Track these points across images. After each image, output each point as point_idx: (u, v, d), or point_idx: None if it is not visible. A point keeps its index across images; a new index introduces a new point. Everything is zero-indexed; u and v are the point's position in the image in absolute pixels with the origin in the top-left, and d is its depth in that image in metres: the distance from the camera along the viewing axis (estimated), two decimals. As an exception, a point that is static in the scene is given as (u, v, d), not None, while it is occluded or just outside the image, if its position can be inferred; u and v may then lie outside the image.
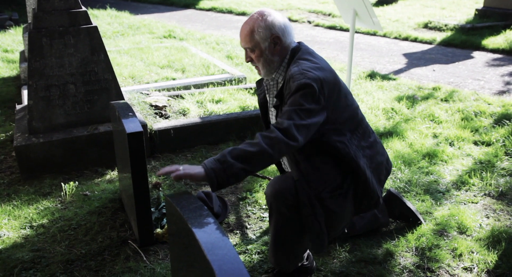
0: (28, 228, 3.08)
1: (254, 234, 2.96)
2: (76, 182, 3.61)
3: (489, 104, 5.30)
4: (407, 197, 3.32)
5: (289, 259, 2.40)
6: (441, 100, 5.49)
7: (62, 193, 3.49)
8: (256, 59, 2.35)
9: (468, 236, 2.92)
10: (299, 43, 2.41)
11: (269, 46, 2.30)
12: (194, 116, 4.56)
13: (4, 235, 3.00)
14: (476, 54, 8.12)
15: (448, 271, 2.61)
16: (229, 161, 1.99)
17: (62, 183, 3.58)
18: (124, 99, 4.06)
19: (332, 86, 2.25)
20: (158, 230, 2.95)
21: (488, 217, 3.14)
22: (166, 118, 4.45)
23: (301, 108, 2.12)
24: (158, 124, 4.17)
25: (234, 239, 2.93)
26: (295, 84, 2.15)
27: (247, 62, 2.41)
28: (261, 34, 2.28)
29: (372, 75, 6.58)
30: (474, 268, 2.64)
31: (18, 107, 4.60)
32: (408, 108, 5.20)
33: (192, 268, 1.63)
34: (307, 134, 2.12)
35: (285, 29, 2.32)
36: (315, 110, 2.15)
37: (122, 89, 5.14)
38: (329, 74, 2.26)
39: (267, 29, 2.27)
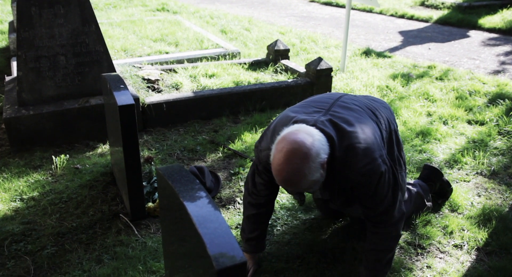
0: (18, 200, 3.05)
1: (246, 210, 2.96)
2: (67, 155, 3.57)
3: (484, 83, 5.28)
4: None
5: None
6: (436, 78, 5.46)
7: (53, 166, 3.45)
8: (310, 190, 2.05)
9: (460, 214, 2.94)
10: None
11: (321, 173, 1.90)
12: (187, 90, 4.50)
13: (-6, 207, 2.97)
14: (472, 33, 8.06)
15: (438, 248, 2.63)
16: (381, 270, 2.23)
17: (53, 156, 3.53)
18: (116, 72, 3.99)
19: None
20: (150, 204, 2.93)
21: (479, 196, 3.15)
22: (159, 92, 4.39)
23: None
24: (151, 97, 4.11)
25: (226, 214, 2.92)
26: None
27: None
28: (314, 173, 1.85)
29: (367, 52, 6.52)
30: (464, 245, 2.65)
31: (7, 78, 4.51)
32: (402, 86, 5.17)
33: (184, 242, 1.62)
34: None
35: (324, 144, 1.90)
36: None
37: (115, 61, 5.05)
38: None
39: (318, 164, 1.85)
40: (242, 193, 3.12)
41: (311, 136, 1.85)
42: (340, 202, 2.26)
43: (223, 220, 1.38)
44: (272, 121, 2.28)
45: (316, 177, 1.85)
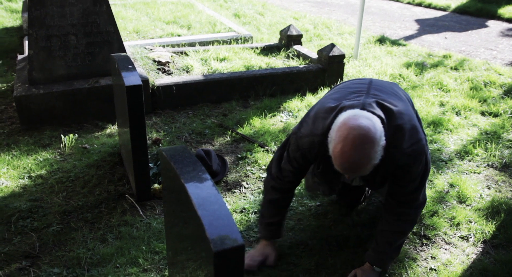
0: (26, 178, 3.07)
1: (252, 194, 2.95)
2: (76, 134, 3.58)
3: (500, 74, 5.17)
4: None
5: None
6: (451, 68, 5.37)
7: (61, 145, 3.47)
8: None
9: (468, 205, 2.90)
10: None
11: (382, 156, 1.90)
12: (197, 73, 4.48)
13: (3, 184, 2.99)
14: (491, 23, 7.89)
15: (444, 239, 2.60)
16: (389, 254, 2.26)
17: (62, 135, 3.55)
18: (126, 53, 3.98)
19: None
20: (156, 185, 2.93)
21: (489, 188, 3.10)
22: (169, 74, 4.38)
23: None
24: (161, 79, 4.10)
25: (231, 198, 2.92)
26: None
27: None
28: (378, 157, 1.86)
29: (381, 40, 6.42)
30: (470, 237, 2.62)
31: (19, 57, 4.52)
32: (416, 75, 5.09)
33: (185, 224, 1.61)
34: None
35: (381, 127, 1.90)
36: None
37: (126, 43, 5.04)
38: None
39: (381, 147, 1.86)
40: (249, 178, 3.12)
41: (370, 120, 1.86)
42: (377, 183, 2.24)
43: (223, 203, 1.36)
44: (310, 109, 2.22)
45: (377, 160, 1.86)
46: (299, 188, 3.00)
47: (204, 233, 1.27)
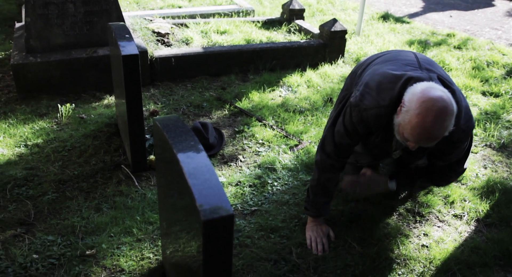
0: (22, 146, 3.07)
1: (248, 167, 2.95)
2: (73, 104, 3.56)
3: (503, 54, 5.11)
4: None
5: None
6: (454, 47, 5.30)
7: (58, 115, 3.45)
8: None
9: (463, 184, 2.90)
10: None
11: None
12: (197, 46, 4.43)
13: (-1, 151, 2.99)
14: (497, 2, 7.76)
15: (438, 217, 2.61)
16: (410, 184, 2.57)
17: (59, 105, 3.53)
18: (125, 23, 3.92)
19: None
20: (152, 156, 2.93)
21: (485, 168, 3.10)
22: (168, 46, 4.33)
23: None
24: (160, 51, 4.05)
25: (227, 171, 2.92)
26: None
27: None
28: (451, 127, 1.94)
29: (385, 17, 6.32)
30: (464, 215, 2.63)
31: (17, 25, 4.46)
32: (419, 53, 5.03)
33: (178, 195, 1.61)
34: None
35: None
36: None
37: (126, 13, 4.97)
38: None
39: (454, 118, 1.92)
40: (245, 151, 3.11)
41: (446, 94, 1.90)
42: (421, 155, 2.34)
43: (214, 173, 1.36)
44: (363, 80, 2.19)
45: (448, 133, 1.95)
46: (295, 162, 2.99)
47: (194, 202, 1.27)
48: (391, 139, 2.23)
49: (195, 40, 4.52)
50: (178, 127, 1.58)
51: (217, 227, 1.26)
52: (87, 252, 2.24)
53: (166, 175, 1.75)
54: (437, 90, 1.89)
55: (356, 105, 2.14)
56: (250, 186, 2.77)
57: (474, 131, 3.49)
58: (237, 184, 2.79)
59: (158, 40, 4.34)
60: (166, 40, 4.36)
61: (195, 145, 1.47)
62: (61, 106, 3.49)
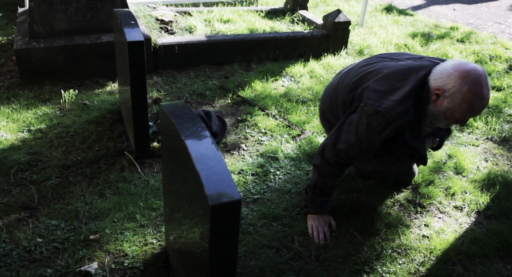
0: (26, 131, 3.07)
1: (251, 156, 2.96)
2: (76, 90, 3.56)
3: (506, 48, 5.11)
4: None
5: None
6: (457, 40, 5.30)
7: (61, 101, 3.45)
8: None
9: (464, 177, 2.91)
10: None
11: None
12: (200, 34, 4.42)
13: (2, 136, 3.00)
14: (501, -4, 7.73)
15: (438, 208, 2.63)
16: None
17: (62, 91, 3.53)
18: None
19: None
20: (155, 144, 2.94)
21: (486, 161, 3.11)
22: (172, 34, 4.32)
23: None
24: (163, 39, 4.04)
25: (230, 159, 2.93)
26: None
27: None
28: None
29: (389, 9, 6.30)
30: (465, 207, 2.65)
31: (20, 10, 4.45)
32: (421, 46, 5.03)
33: (183, 182, 1.62)
34: None
35: None
36: None
37: (129, 0, 4.94)
38: None
39: None
40: (248, 140, 3.12)
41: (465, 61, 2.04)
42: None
43: (221, 158, 1.37)
44: (368, 90, 2.16)
45: None
46: (298, 152, 3.00)
47: (201, 187, 1.28)
48: (421, 131, 2.23)
49: (198, 28, 4.51)
50: (185, 113, 1.59)
51: (224, 212, 1.27)
52: (91, 237, 2.26)
53: (172, 162, 1.76)
54: (462, 62, 1.98)
55: (376, 112, 2.08)
56: (252, 174, 2.79)
57: (475, 124, 3.51)
58: (239, 173, 2.80)
59: (161, 28, 4.33)
60: (169, 28, 4.34)
61: (202, 131, 1.48)
62: (64, 92, 3.49)
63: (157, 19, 4.42)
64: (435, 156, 3.06)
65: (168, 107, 1.65)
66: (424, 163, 2.39)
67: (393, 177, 2.71)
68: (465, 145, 3.26)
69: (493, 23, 6.30)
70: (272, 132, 3.22)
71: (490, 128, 3.48)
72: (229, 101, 3.63)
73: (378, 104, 2.08)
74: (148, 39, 3.80)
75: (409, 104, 2.06)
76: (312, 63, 4.35)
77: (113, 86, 3.74)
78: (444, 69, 2.00)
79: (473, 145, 3.28)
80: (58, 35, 3.75)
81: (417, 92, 2.07)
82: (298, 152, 3.01)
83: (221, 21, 4.81)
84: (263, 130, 3.24)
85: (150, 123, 3.07)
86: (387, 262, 2.22)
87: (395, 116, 2.06)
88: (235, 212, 1.29)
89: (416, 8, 6.78)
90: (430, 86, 2.06)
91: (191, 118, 1.55)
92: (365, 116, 2.13)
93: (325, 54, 4.55)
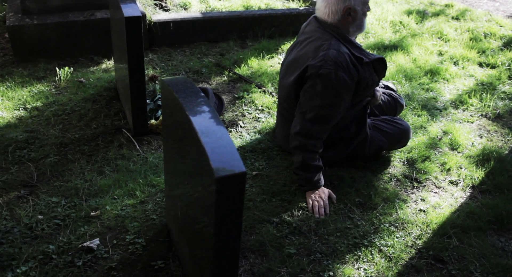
0: (22, 109, 3.06)
1: (248, 133, 2.97)
2: (71, 68, 3.53)
3: (501, 26, 5.11)
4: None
5: None
6: (452, 18, 5.28)
7: (56, 78, 3.42)
8: None
9: (459, 152, 2.95)
10: None
11: None
12: (195, 11, 4.37)
13: (-2, 114, 2.98)
14: (496, -27, 7.69)
15: (434, 183, 2.67)
16: None
17: (56, 68, 3.49)
18: (123, -14, 3.84)
19: None
20: (153, 121, 2.93)
21: (481, 137, 3.15)
22: (166, 10, 4.27)
23: None
24: (158, 15, 4.00)
25: (227, 136, 2.94)
26: None
27: None
28: None
29: (384, -14, 6.25)
30: (460, 182, 2.69)
31: (11, -14, 4.35)
32: (416, 23, 5.01)
33: (184, 158, 1.63)
34: None
35: None
36: None
37: (121, -24, 4.86)
38: None
39: None
40: (245, 117, 3.13)
41: None
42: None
43: (225, 132, 1.38)
44: (298, 52, 2.53)
45: None
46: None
47: (207, 160, 1.29)
48: (363, 50, 2.49)
49: (193, 5, 4.46)
50: (188, 87, 1.59)
51: (230, 184, 1.29)
52: (92, 213, 2.27)
53: (174, 137, 1.77)
54: None
55: (320, 67, 2.33)
56: (250, 151, 2.80)
57: (470, 101, 3.53)
58: (238, 149, 2.81)
59: (156, 5, 4.28)
60: (164, 4, 4.29)
61: (206, 105, 1.49)
62: (59, 69, 3.46)
63: (151, -4, 4.36)
64: (430, 133, 3.09)
65: (171, 81, 1.64)
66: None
67: (398, 137, 2.79)
68: (460, 122, 3.30)
69: (488, 0, 6.28)
70: (269, 109, 3.23)
71: (484, 105, 3.51)
72: (226, 78, 3.62)
73: (315, 63, 2.35)
74: (143, 15, 3.75)
75: (336, 44, 2.36)
76: (308, 41, 4.32)
77: (109, 64, 3.71)
78: None
79: (468, 121, 3.31)
80: (52, 11, 3.70)
81: (333, 36, 2.39)
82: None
83: (215, -2, 4.76)
84: (260, 107, 3.24)
85: (147, 100, 3.06)
86: (385, 236, 2.26)
87: (333, 57, 2.32)
88: (241, 184, 1.31)
89: (411, -15, 6.72)
90: (334, 19, 2.41)
91: (194, 92, 1.55)
92: (315, 76, 2.35)
93: (321, 31, 4.52)
